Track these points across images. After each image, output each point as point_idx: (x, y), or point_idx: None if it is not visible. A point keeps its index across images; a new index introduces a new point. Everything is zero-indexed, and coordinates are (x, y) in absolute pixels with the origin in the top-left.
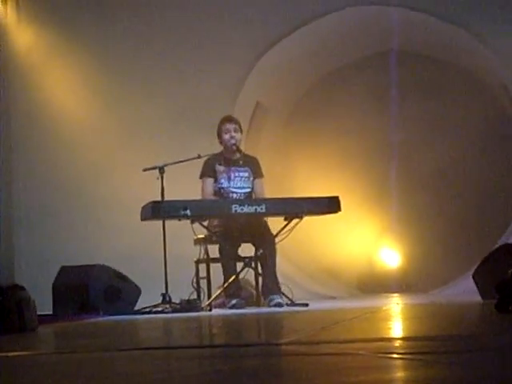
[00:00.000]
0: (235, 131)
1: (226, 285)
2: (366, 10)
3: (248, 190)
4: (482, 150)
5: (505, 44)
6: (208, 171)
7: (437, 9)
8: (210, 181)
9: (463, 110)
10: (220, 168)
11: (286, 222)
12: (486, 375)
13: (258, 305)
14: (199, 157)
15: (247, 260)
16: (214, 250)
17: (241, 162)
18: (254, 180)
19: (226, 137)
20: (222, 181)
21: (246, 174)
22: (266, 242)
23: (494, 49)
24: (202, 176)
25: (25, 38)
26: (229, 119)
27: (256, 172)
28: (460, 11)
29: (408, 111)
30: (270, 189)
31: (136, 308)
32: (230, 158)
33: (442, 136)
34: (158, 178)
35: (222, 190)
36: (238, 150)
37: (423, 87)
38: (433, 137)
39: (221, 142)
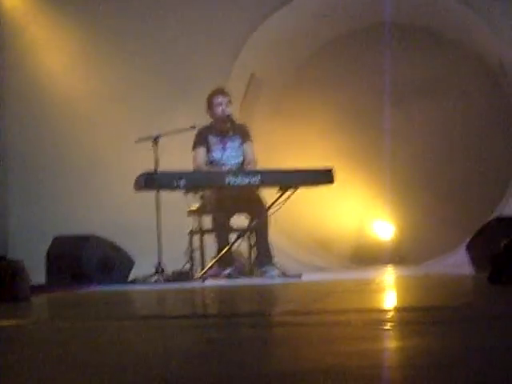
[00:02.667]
0: (227, 104)
1: (219, 255)
2: None
3: (240, 159)
4: (478, 122)
5: (502, 18)
6: (200, 141)
7: None
8: (202, 150)
9: (457, 83)
10: (213, 139)
11: (278, 194)
12: (478, 345)
13: (251, 275)
14: (193, 127)
15: (240, 231)
16: (207, 222)
17: (231, 132)
18: (243, 146)
19: (219, 110)
20: (216, 152)
21: (238, 143)
22: (258, 213)
23: (491, 23)
24: (194, 146)
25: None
26: (220, 92)
27: (244, 136)
28: None
29: (401, 81)
30: (265, 159)
31: (129, 279)
32: (221, 129)
33: (436, 105)
34: (151, 149)
35: (215, 162)
36: (232, 121)
37: (417, 59)
38: (427, 106)
39: (212, 115)
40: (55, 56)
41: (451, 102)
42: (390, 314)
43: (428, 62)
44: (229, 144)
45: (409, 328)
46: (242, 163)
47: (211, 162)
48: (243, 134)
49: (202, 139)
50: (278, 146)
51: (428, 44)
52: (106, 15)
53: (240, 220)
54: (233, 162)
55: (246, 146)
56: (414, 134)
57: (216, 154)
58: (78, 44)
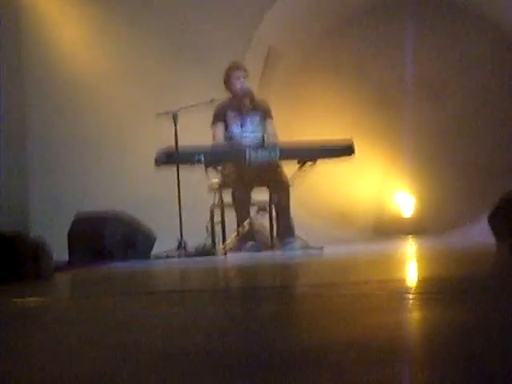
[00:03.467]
0: (245, 78)
1: (240, 228)
2: None
3: (259, 134)
4: (500, 98)
5: None
6: (218, 117)
7: None
8: (220, 126)
9: (479, 57)
10: (231, 114)
11: (298, 166)
12: (501, 315)
13: (272, 249)
14: (212, 101)
15: (262, 204)
16: (228, 196)
17: (251, 108)
18: (265, 122)
19: (237, 85)
20: (234, 127)
21: (258, 118)
22: (279, 186)
23: None
24: (213, 122)
25: None
26: (237, 66)
27: (265, 113)
28: None
29: (422, 56)
30: (285, 131)
31: (152, 254)
32: (240, 104)
33: (457, 81)
34: (171, 124)
35: (234, 137)
36: (251, 96)
37: (439, 32)
38: (448, 81)
39: (230, 90)
40: (72, 33)
41: (476, 75)
42: (412, 285)
43: (450, 38)
44: (248, 119)
45: (431, 298)
46: (262, 139)
47: (230, 137)
48: (264, 111)
49: (220, 115)
50: (296, 120)
51: (451, 18)
52: None
53: (261, 193)
54: (252, 137)
55: (267, 123)
56: (435, 107)
57: (235, 129)
58: (93, 20)
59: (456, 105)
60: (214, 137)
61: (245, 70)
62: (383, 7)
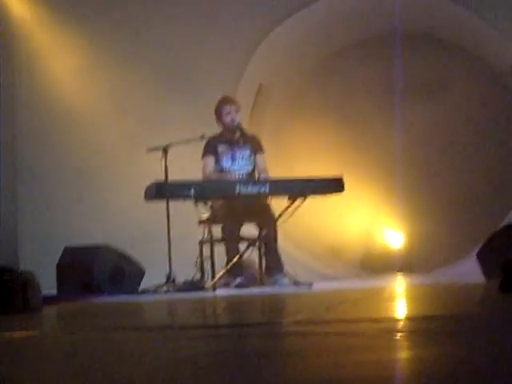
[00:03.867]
0: (236, 112)
1: (229, 264)
2: None
3: (250, 168)
4: (487, 132)
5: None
6: (209, 150)
7: None
8: (211, 159)
9: (467, 90)
10: (222, 147)
11: (288, 202)
12: (490, 355)
13: (262, 285)
14: (202, 137)
15: (251, 240)
16: (218, 231)
17: (241, 142)
18: (255, 157)
19: (228, 119)
20: (224, 160)
21: (248, 153)
22: (267, 222)
23: (499, 29)
24: (203, 156)
25: (25, 14)
26: (228, 100)
27: (257, 148)
28: None
29: (411, 88)
30: (274, 168)
31: (140, 288)
32: (231, 137)
33: (446, 113)
34: (161, 159)
35: (225, 170)
36: (241, 130)
37: (427, 70)
38: (437, 114)
39: (221, 124)
40: (63, 63)
41: (463, 109)
42: (401, 324)
43: (435, 67)
44: (238, 153)
45: (421, 337)
46: (252, 173)
47: (221, 171)
48: (255, 145)
49: (210, 148)
50: (286, 155)
51: (435, 50)
52: (114, 23)
53: (250, 229)
54: (242, 171)
55: (258, 157)
56: (424, 143)
57: (225, 163)
58: (85, 52)
59: (445, 142)
60: (203, 169)
61: (236, 104)
62: (370, 42)
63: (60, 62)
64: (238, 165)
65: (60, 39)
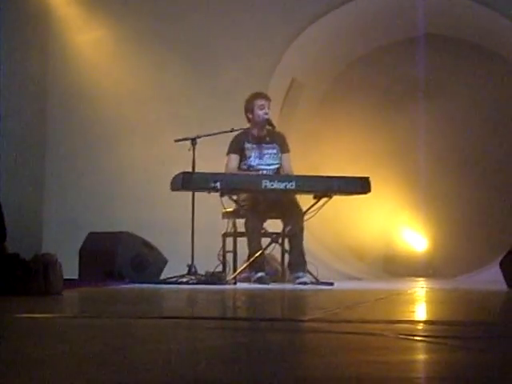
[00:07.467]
0: (268, 108)
1: (251, 259)
2: None
3: (276, 165)
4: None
5: None
6: (234, 148)
7: None
8: (235, 157)
9: (494, 95)
10: (249, 145)
11: (314, 200)
12: (509, 362)
13: (282, 281)
14: (232, 130)
15: (274, 236)
16: (241, 224)
17: (268, 139)
18: (281, 155)
19: (261, 112)
20: (252, 158)
21: (275, 151)
22: (294, 219)
23: None
24: (228, 152)
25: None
26: (262, 95)
27: (283, 147)
28: None
29: (437, 98)
30: (301, 165)
31: (162, 278)
32: (258, 134)
33: (472, 121)
34: (189, 150)
35: (252, 168)
36: (272, 125)
37: (452, 71)
38: (463, 121)
39: (251, 118)
40: (97, 53)
41: (489, 113)
42: (421, 327)
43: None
44: (265, 151)
45: (440, 341)
46: (278, 170)
47: (247, 169)
48: (282, 144)
49: (236, 146)
50: (314, 153)
51: (461, 54)
52: (152, 18)
53: (274, 224)
54: (269, 168)
55: (284, 156)
56: (450, 147)
57: (252, 161)
58: (121, 46)
59: (471, 146)
60: (226, 165)
61: (269, 100)
62: (399, 44)
63: (93, 51)
64: (264, 163)
65: (92, 35)
